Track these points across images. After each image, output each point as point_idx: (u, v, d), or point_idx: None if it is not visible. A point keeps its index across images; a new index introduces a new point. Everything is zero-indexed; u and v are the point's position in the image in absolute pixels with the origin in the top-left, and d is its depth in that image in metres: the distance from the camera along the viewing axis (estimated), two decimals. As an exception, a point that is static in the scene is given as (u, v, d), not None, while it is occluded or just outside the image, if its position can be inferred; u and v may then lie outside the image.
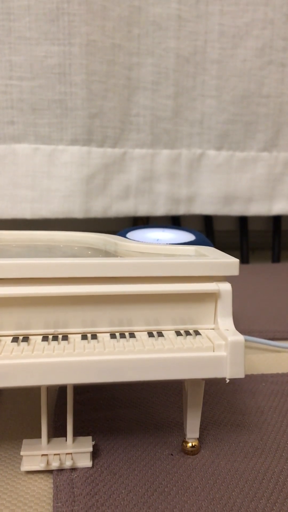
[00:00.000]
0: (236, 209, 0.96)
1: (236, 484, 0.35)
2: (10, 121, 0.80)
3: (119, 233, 0.57)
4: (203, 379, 0.35)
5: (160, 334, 0.34)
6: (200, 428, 0.38)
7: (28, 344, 0.32)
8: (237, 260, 0.35)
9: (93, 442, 0.37)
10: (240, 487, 0.34)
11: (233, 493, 0.34)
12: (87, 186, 0.85)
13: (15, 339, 0.33)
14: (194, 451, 0.38)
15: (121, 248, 0.44)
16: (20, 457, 0.37)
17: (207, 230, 1.03)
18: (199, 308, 0.35)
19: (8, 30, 0.77)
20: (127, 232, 0.58)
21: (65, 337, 0.33)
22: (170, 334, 0.35)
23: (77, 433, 0.39)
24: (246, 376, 0.51)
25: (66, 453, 0.35)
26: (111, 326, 0.35)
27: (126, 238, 0.52)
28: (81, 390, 0.46)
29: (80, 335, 0.34)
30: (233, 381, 0.49)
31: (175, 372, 0.32)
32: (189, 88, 0.88)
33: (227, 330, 0.34)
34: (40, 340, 0.33)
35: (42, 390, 0.35)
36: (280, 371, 0.52)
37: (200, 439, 0.39)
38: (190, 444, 0.38)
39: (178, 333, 0.35)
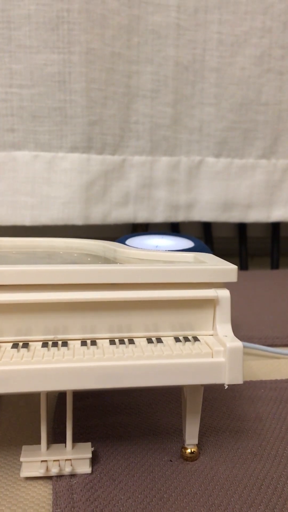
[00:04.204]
0: (235, 216, 0.97)
1: (235, 490, 0.35)
2: (10, 129, 0.81)
3: (118, 239, 0.58)
4: (202, 385, 0.36)
5: (159, 340, 0.35)
6: (199, 434, 0.38)
7: (28, 350, 0.33)
8: (235, 267, 0.36)
9: (93, 448, 0.37)
10: (239, 493, 0.34)
11: (232, 499, 0.34)
12: (87, 193, 0.85)
13: (15, 345, 0.33)
14: (193, 457, 0.38)
15: (120, 255, 0.44)
16: (20, 463, 0.37)
17: (206, 236, 1.04)
18: (198, 315, 0.36)
19: (8, 38, 0.77)
20: (126, 238, 0.58)
21: (64, 343, 0.34)
22: (169, 340, 0.35)
23: (76, 439, 0.40)
24: (245, 382, 0.51)
25: (66, 459, 0.36)
26: (111, 332, 0.35)
27: (125, 244, 0.52)
28: (80, 396, 0.46)
29: (79, 341, 0.34)
30: (232, 387, 0.49)
31: (174, 378, 0.32)
32: (188, 95, 0.88)
33: (226, 336, 0.34)
34: (40, 346, 0.33)
35: (42, 396, 0.35)
36: (279, 378, 0.52)
37: (199, 445, 0.39)
38: (189, 450, 0.38)
39: (177, 339, 0.35)
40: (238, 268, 0.33)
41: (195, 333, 0.36)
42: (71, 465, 0.35)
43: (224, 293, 0.35)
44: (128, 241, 0.57)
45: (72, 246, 0.50)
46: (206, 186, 0.93)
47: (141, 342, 0.34)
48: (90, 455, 0.36)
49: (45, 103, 0.80)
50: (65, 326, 0.34)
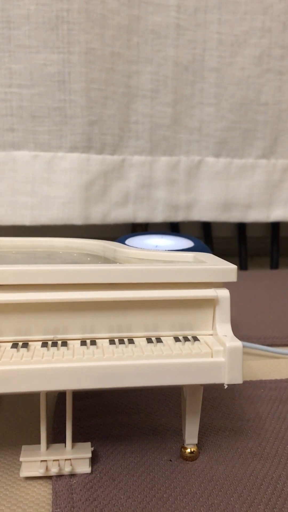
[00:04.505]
0: (235, 216, 0.97)
1: (234, 489, 0.35)
2: (10, 128, 0.81)
3: (118, 239, 0.58)
4: (201, 385, 0.36)
5: (158, 340, 0.35)
6: (198, 434, 0.38)
7: (28, 350, 0.33)
8: (235, 267, 0.36)
9: (92, 448, 0.37)
10: (239, 493, 0.34)
11: (231, 498, 0.34)
12: (86, 192, 0.85)
13: (14, 345, 0.33)
14: (193, 457, 0.38)
15: (120, 255, 0.44)
16: (20, 463, 0.37)
17: (206, 236, 1.04)
18: (197, 314, 0.36)
19: (8, 38, 0.77)
20: (126, 238, 0.58)
21: (64, 343, 0.34)
22: (168, 340, 0.35)
23: (76, 439, 0.39)
24: (245, 382, 0.51)
25: (65, 459, 0.36)
26: (110, 332, 0.35)
27: (125, 244, 0.52)
28: (80, 396, 0.46)
29: (79, 341, 0.34)
30: (231, 387, 0.49)
31: (174, 377, 0.32)
32: (187, 95, 0.88)
33: (225, 336, 0.34)
34: (40, 346, 0.33)
35: (42, 396, 0.35)
36: (278, 377, 0.52)
37: (198, 445, 0.39)
38: (188, 450, 0.38)
39: (176, 339, 0.35)
40: (237, 268, 0.34)
41: (194, 333, 0.36)
42: (71, 465, 0.35)
43: (224, 293, 0.35)
44: (127, 241, 0.57)
45: (72, 246, 0.50)
46: (206, 186, 0.94)
47: (140, 342, 0.34)
48: (89, 455, 0.36)
49: (44, 103, 0.80)
50: (65, 326, 0.34)
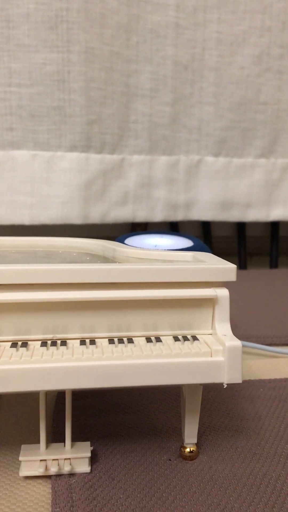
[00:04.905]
0: (234, 215, 0.97)
1: (234, 489, 0.35)
2: (9, 128, 0.81)
3: (118, 239, 0.58)
4: (201, 384, 0.36)
5: (158, 339, 0.35)
6: (198, 433, 0.38)
7: (27, 350, 0.33)
8: (234, 266, 0.36)
9: (92, 448, 0.37)
10: (238, 492, 0.34)
11: (231, 498, 0.34)
12: (86, 192, 0.85)
13: (14, 344, 0.33)
14: (192, 456, 0.38)
15: (119, 254, 0.44)
16: (19, 463, 0.37)
17: (205, 236, 1.04)
18: (196, 314, 0.36)
19: (7, 37, 0.77)
20: (125, 238, 0.58)
21: (63, 343, 0.34)
22: (168, 340, 0.35)
23: (75, 438, 0.40)
24: (244, 381, 0.51)
25: (65, 459, 0.36)
26: (110, 332, 0.35)
27: (125, 244, 0.52)
28: (79, 396, 0.46)
29: (78, 341, 0.34)
30: (231, 386, 0.49)
31: (173, 377, 0.32)
32: (187, 95, 0.88)
33: (225, 335, 0.34)
34: (39, 345, 0.33)
35: (41, 396, 0.35)
36: (277, 377, 0.52)
37: (198, 445, 0.39)
38: (188, 449, 0.38)
39: (176, 339, 0.35)
40: (237, 267, 0.34)
41: (194, 332, 0.36)
42: (70, 464, 0.35)
43: (223, 293, 0.35)
44: (127, 241, 0.57)
45: (71, 245, 0.50)
46: (205, 185, 0.93)
47: (140, 341, 0.34)
48: (89, 454, 0.36)
49: (44, 102, 0.80)
50: (64, 325, 0.34)
